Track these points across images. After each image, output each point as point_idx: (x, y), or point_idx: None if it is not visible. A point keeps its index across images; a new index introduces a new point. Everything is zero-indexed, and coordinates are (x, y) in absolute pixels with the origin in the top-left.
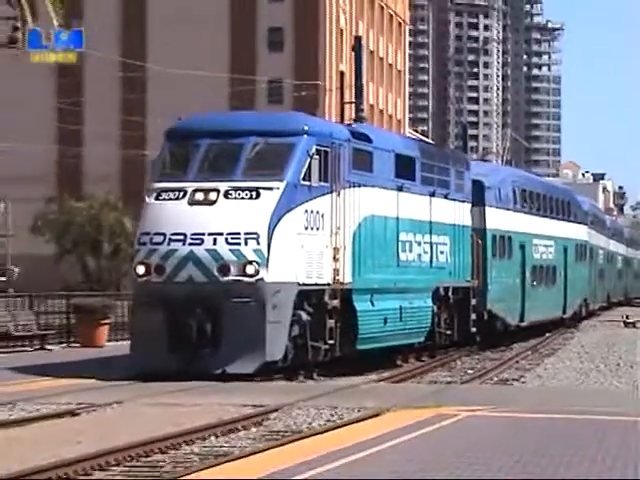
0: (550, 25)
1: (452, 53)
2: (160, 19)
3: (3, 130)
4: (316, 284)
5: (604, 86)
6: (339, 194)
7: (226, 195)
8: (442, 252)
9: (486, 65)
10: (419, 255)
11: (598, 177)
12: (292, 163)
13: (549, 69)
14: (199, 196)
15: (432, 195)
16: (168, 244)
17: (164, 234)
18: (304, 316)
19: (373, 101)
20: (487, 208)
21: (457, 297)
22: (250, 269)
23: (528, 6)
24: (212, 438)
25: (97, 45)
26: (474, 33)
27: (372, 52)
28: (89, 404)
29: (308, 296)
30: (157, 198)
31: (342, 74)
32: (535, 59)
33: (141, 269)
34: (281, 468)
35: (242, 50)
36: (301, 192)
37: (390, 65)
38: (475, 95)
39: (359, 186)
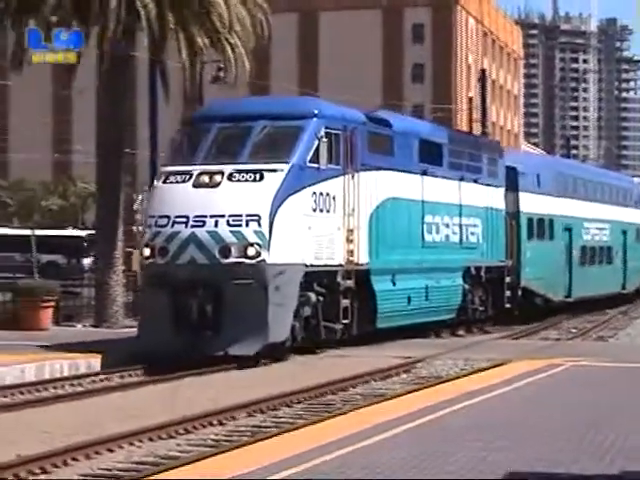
0: (636, 58)
1: (557, 81)
2: (329, 57)
3: None
4: (326, 265)
5: None
6: (353, 176)
7: (230, 177)
8: (473, 233)
9: (584, 90)
10: (447, 236)
11: None
12: (299, 145)
13: (635, 93)
14: (204, 179)
15: (461, 179)
16: (172, 226)
17: (168, 216)
18: (313, 297)
19: (494, 119)
20: (521, 193)
21: (490, 276)
22: (251, 251)
23: (618, 43)
24: (372, 382)
25: (281, 78)
26: (575, 65)
27: (494, 81)
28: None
29: (318, 277)
30: (165, 181)
31: (470, 99)
32: (624, 85)
33: (147, 251)
34: (428, 405)
35: (392, 81)
36: (308, 174)
37: (508, 91)
38: (576, 114)
39: (377, 169)
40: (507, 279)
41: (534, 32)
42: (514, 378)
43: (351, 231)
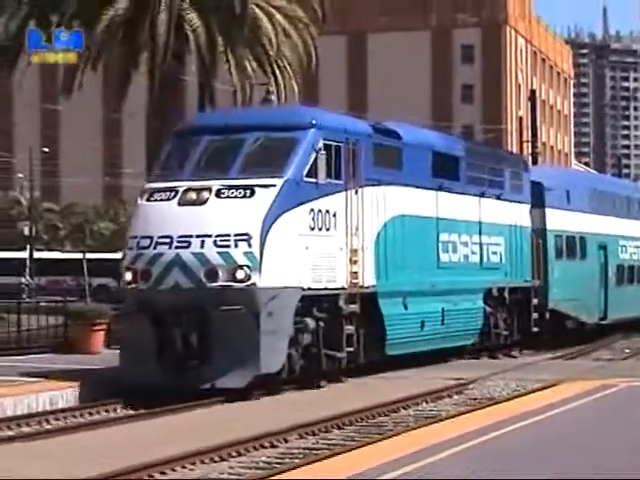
0: None
1: (608, 100)
2: (377, 79)
3: None
4: (327, 288)
5: None
6: (356, 192)
7: (218, 194)
8: (495, 252)
9: (635, 109)
10: (466, 256)
11: None
12: (294, 159)
13: None
14: (190, 196)
15: (481, 195)
16: (154, 248)
17: (151, 237)
18: (311, 323)
19: (545, 139)
20: (547, 209)
21: (515, 297)
22: (240, 274)
23: None
24: (423, 404)
25: (329, 100)
26: (626, 84)
27: (544, 101)
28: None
29: (318, 301)
30: (149, 199)
31: (520, 119)
32: None
33: (128, 275)
34: (481, 426)
35: (441, 102)
36: (305, 190)
37: (558, 111)
38: (627, 132)
39: (385, 184)
40: (534, 301)
41: (584, 51)
42: (567, 400)
43: (355, 251)
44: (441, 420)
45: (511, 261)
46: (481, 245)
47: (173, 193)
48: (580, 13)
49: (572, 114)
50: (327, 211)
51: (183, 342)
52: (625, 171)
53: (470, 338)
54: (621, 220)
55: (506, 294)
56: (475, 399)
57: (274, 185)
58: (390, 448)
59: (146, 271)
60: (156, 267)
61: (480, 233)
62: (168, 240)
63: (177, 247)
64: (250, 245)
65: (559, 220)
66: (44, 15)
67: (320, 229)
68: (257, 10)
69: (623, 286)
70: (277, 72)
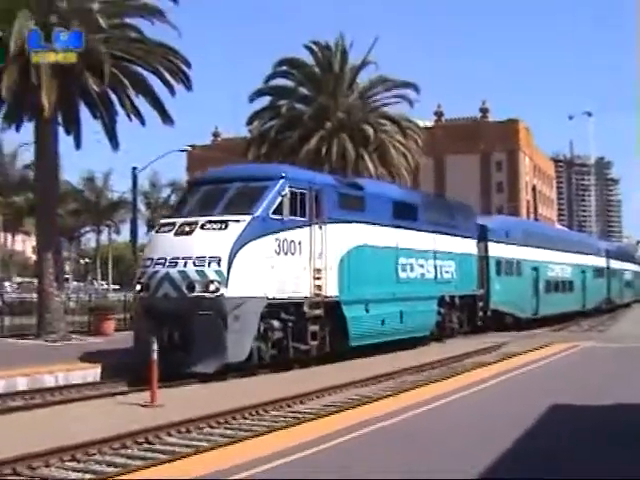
0: (616, 177)
1: (574, 190)
2: (452, 184)
3: None
4: (291, 298)
5: None
6: (320, 227)
7: (202, 227)
8: (447, 272)
9: (588, 195)
10: (422, 274)
11: None
12: (263, 201)
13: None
14: (183, 228)
15: (436, 232)
16: (153, 267)
17: (152, 259)
18: (276, 323)
19: (540, 211)
20: (489, 242)
21: (464, 302)
22: (212, 287)
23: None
24: (475, 356)
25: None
26: (583, 182)
27: (540, 191)
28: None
29: (283, 307)
30: (157, 231)
31: (528, 201)
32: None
33: (137, 286)
34: (508, 368)
35: (484, 193)
36: (271, 224)
37: (548, 197)
38: (584, 208)
39: (348, 222)
40: (479, 304)
41: (561, 164)
42: (556, 353)
43: (319, 270)
44: (486, 365)
45: (460, 277)
46: (435, 266)
47: (172, 226)
48: (559, 142)
49: (555, 198)
50: (292, 240)
51: (170, 337)
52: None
53: (425, 331)
54: (549, 251)
55: (457, 300)
56: (505, 353)
57: (244, 220)
58: (459, 381)
59: (147, 284)
60: (153, 281)
61: (435, 258)
62: (163, 261)
63: (168, 266)
64: (219, 265)
65: (498, 249)
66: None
67: (286, 253)
68: (386, 142)
69: (550, 293)
70: (395, 175)
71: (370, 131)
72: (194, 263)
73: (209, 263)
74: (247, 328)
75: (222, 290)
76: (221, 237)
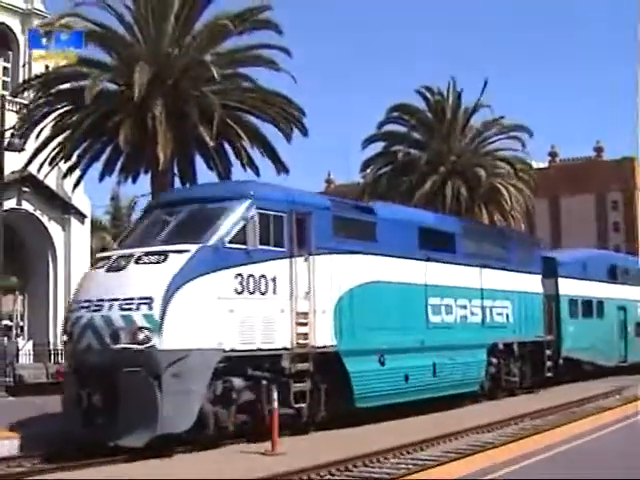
0: None
1: None
2: (567, 226)
3: None
4: (260, 349)
5: None
6: (306, 259)
7: (137, 260)
8: (500, 313)
9: None
10: (463, 316)
11: None
12: (217, 226)
13: None
14: (117, 263)
15: (483, 266)
16: (77, 311)
17: (78, 301)
18: (240, 382)
19: None
20: (560, 278)
21: (526, 349)
22: (140, 336)
23: None
24: (599, 400)
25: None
26: None
27: None
28: None
29: (250, 361)
30: (91, 266)
31: None
32: None
33: (64, 336)
34: (632, 412)
35: (601, 232)
36: (228, 255)
37: None
38: None
39: (351, 253)
40: (547, 352)
41: None
42: None
43: (304, 314)
44: (607, 409)
45: (520, 320)
46: (483, 307)
47: (107, 261)
48: None
49: None
50: (262, 276)
51: (95, 400)
52: None
53: (471, 387)
54: (637, 288)
55: (515, 347)
56: (625, 397)
57: (188, 250)
58: (583, 425)
59: (71, 333)
60: (76, 329)
61: (482, 297)
62: (88, 304)
63: (93, 310)
64: (151, 308)
65: (572, 286)
66: None
67: (252, 292)
68: (499, 185)
69: None
70: (510, 218)
71: (482, 173)
72: (120, 306)
73: (138, 306)
74: (192, 389)
75: (154, 340)
76: (156, 272)
